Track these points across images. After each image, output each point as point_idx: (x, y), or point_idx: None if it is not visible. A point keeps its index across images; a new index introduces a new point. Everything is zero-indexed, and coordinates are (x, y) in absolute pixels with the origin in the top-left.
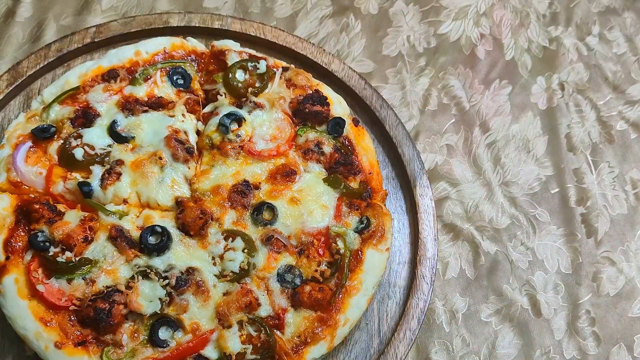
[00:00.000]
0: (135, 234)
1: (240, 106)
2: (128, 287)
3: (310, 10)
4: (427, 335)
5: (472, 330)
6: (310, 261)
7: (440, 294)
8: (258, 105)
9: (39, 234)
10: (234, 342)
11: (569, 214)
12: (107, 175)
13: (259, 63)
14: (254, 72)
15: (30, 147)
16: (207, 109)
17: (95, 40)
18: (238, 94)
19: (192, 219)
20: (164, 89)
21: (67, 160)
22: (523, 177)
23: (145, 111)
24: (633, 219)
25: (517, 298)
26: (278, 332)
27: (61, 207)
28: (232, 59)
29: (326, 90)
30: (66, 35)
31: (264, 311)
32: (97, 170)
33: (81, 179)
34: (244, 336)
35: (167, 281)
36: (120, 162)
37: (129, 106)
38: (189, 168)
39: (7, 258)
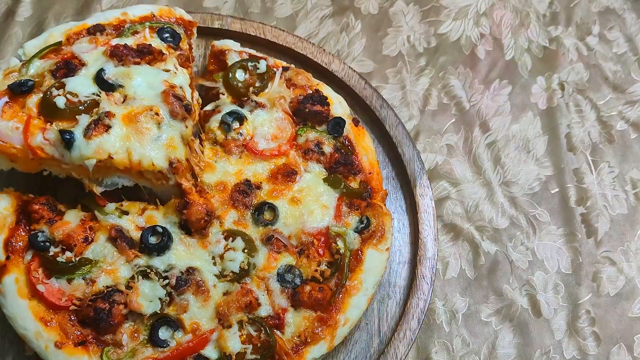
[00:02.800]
0: (135, 234)
1: (241, 105)
2: (128, 287)
3: (310, 10)
4: (427, 335)
5: (472, 330)
6: (310, 261)
7: (440, 294)
8: (259, 105)
9: (39, 234)
10: (234, 342)
11: (569, 214)
12: (93, 126)
13: (259, 63)
14: (254, 72)
15: (7, 103)
16: (209, 107)
17: None
18: (238, 93)
19: (196, 219)
20: (154, 42)
21: (48, 110)
22: (523, 177)
23: (137, 63)
24: (633, 219)
25: (517, 298)
26: (278, 332)
27: (61, 207)
28: (232, 58)
29: (326, 90)
30: None
31: (264, 311)
32: (84, 120)
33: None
34: (244, 336)
35: (167, 281)
36: (110, 115)
37: (119, 53)
38: (187, 127)
39: (8, 258)
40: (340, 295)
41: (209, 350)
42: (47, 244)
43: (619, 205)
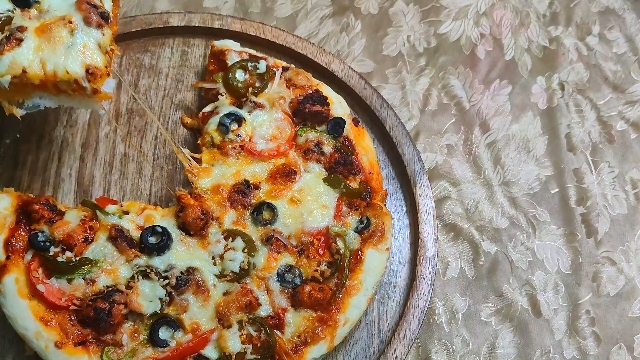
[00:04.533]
0: (136, 233)
1: (240, 106)
2: (128, 286)
3: (310, 10)
4: (427, 335)
5: (472, 330)
6: (310, 261)
7: (440, 294)
8: (258, 105)
9: (40, 233)
10: (234, 342)
11: (569, 214)
12: (5, 41)
13: (259, 63)
14: (254, 72)
15: None
16: (208, 108)
17: None
18: (238, 94)
19: (192, 220)
20: None
21: None
22: (523, 177)
23: None
24: (633, 219)
25: (517, 298)
26: (278, 332)
27: (61, 207)
28: (232, 58)
29: (326, 90)
30: None
31: (264, 311)
32: None
33: None
34: (244, 336)
35: (167, 281)
36: (22, 29)
37: None
38: (103, 35)
39: (8, 258)
40: (340, 295)
41: (209, 350)
42: (47, 243)
43: (619, 205)
